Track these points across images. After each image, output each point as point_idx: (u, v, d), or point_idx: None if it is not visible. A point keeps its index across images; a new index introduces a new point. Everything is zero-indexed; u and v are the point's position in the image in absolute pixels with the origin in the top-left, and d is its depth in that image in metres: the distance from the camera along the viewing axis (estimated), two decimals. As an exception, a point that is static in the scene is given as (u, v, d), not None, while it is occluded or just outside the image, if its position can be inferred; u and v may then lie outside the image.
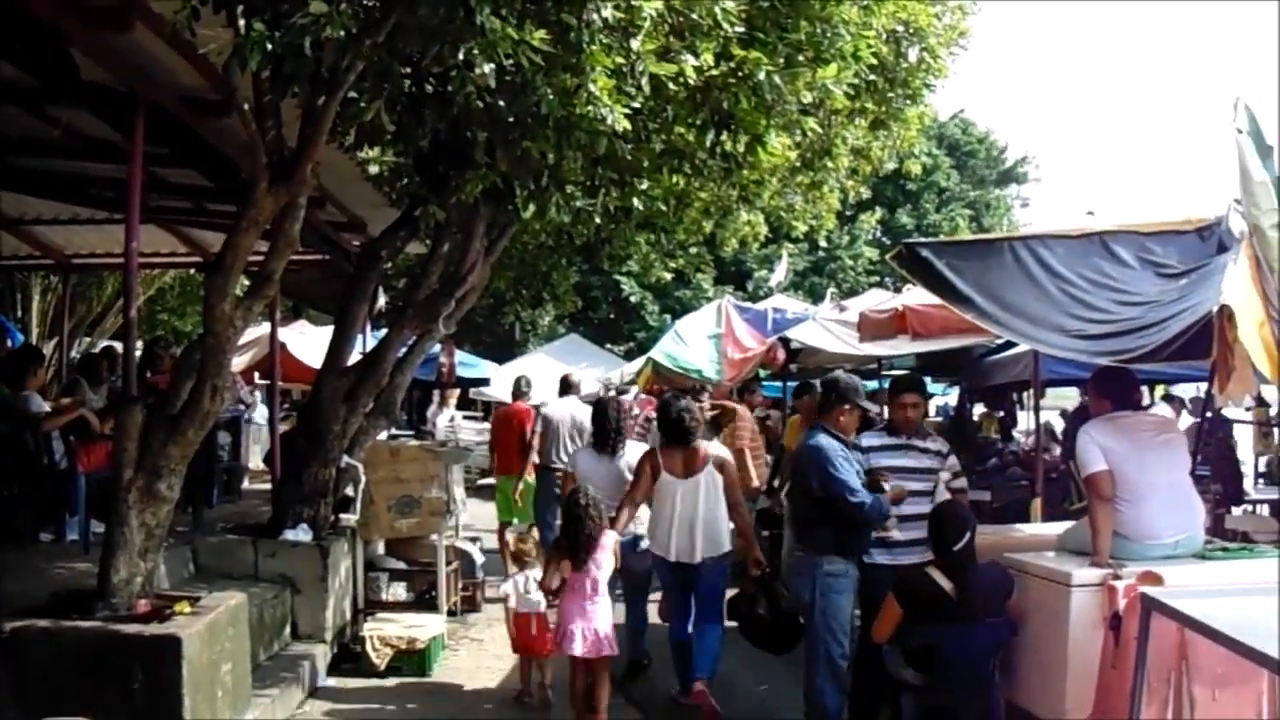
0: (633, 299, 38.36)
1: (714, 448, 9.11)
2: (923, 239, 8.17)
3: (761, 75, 6.44)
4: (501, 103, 6.17)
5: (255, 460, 16.74)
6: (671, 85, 6.25)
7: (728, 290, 32.00)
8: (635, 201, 8.16)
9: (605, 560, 7.90)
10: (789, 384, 20.90)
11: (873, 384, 18.64)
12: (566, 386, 14.41)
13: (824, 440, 7.67)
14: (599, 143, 6.30)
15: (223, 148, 8.66)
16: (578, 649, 7.79)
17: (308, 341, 18.54)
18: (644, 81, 6.05)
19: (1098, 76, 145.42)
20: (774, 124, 7.20)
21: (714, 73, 6.47)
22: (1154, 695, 5.74)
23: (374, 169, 9.77)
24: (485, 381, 25.56)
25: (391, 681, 9.41)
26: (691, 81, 6.32)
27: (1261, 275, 6.26)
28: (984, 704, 6.94)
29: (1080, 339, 7.05)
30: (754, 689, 9.37)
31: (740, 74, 6.49)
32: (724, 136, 6.92)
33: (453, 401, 21.54)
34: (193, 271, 19.99)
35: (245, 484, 14.62)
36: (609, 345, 38.23)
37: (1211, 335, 6.27)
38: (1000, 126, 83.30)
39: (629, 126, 6.15)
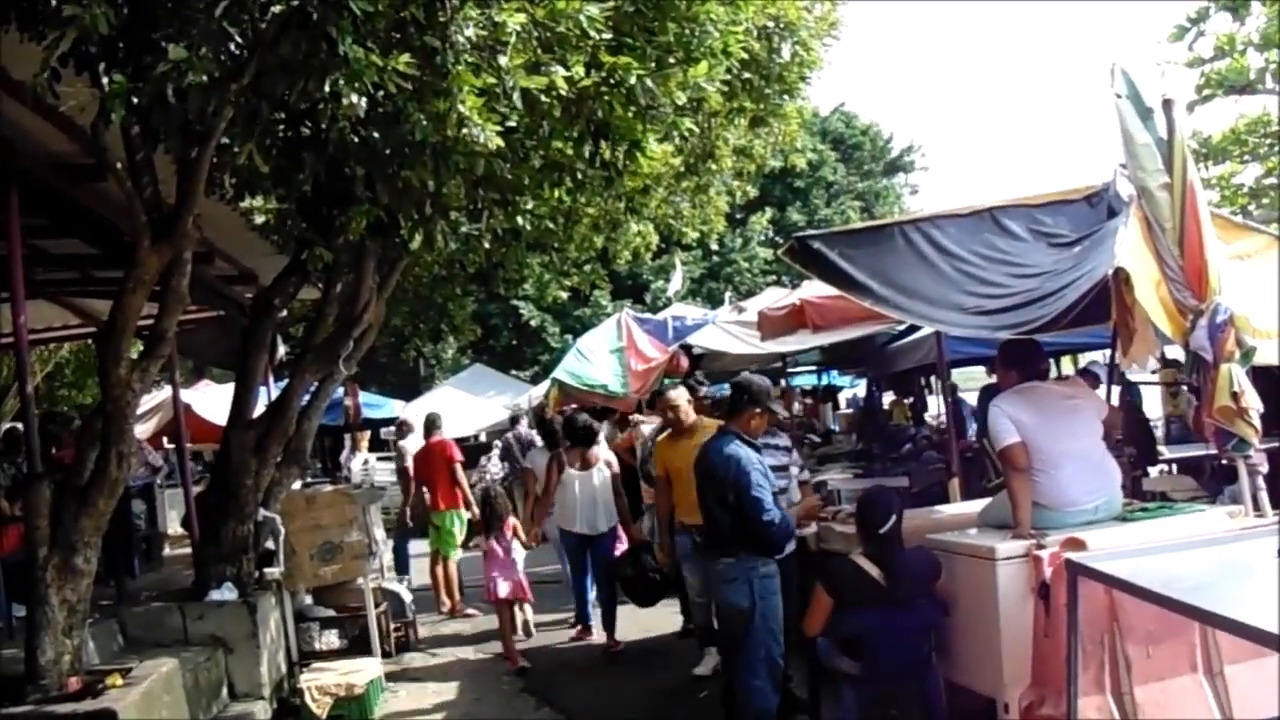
0: (533, 323, 38.23)
1: (603, 451, 11.91)
2: (813, 232, 8.25)
3: (633, 80, 6.41)
4: (376, 134, 6.12)
5: (173, 525, 16.49)
6: (544, 99, 6.22)
7: (626, 304, 31.93)
8: (521, 221, 8.16)
9: (508, 533, 11.45)
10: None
11: (780, 382, 18.72)
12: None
13: (741, 450, 7.57)
14: (477, 164, 6.28)
15: (103, 212, 8.51)
16: (503, 594, 11.23)
17: (213, 400, 18.33)
18: (515, 97, 6.00)
19: (975, 58, 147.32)
20: (651, 129, 7.19)
21: (586, 82, 6.42)
22: (1089, 659, 5.79)
23: (259, 218, 9.67)
24: (393, 421, 25.39)
25: (335, 730, 9.29)
26: (564, 93, 6.27)
27: (1153, 235, 6.35)
28: (922, 686, 6.94)
29: (979, 315, 7.11)
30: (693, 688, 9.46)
31: (612, 81, 6.46)
32: (602, 146, 6.89)
33: (364, 444, 21.29)
34: (89, 343, 19.72)
35: (166, 550, 14.45)
36: (514, 371, 38.11)
37: (1109, 300, 6.35)
38: (883, 117, 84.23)
39: (503, 144, 6.12)
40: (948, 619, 7.00)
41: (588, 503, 11.49)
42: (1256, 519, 6.55)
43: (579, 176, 7.89)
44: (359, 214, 6.86)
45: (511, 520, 11.64)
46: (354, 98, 5.46)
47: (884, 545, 6.89)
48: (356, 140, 6.15)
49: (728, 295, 24.49)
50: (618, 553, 11.39)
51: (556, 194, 8.50)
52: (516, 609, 12.07)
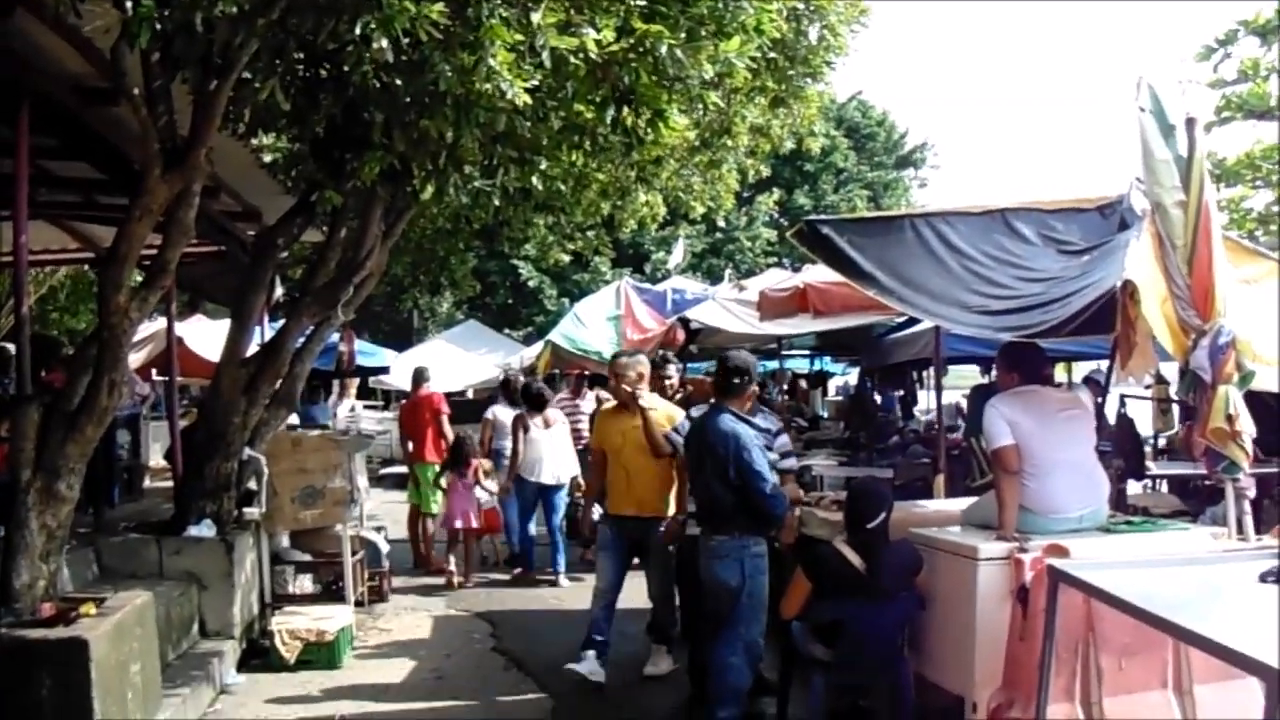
0: (530, 283, 38.27)
1: (558, 414, 13.90)
2: (823, 216, 8.24)
3: (664, 49, 6.36)
4: (399, 81, 6.08)
5: (156, 458, 16.44)
6: (572, 60, 6.16)
7: (625, 273, 31.95)
8: (535, 181, 8.04)
9: (471, 474, 13.50)
10: (688, 365, 21.03)
11: (773, 364, 18.75)
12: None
13: (740, 426, 7.55)
14: (499, 119, 6.21)
15: (114, 137, 8.45)
16: (458, 524, 13.40)
17: (205, 336, 18.26)
18: (545, 56, 5.95)
19: (994, 64, 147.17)
20: (676, 99, 7.15)
21: (614, 47, 6.36)
22: (1062, 666, 5.81)
23: (268, 157, 9.62)
24: (385, 370, 25.37)
25: (302, 675, 9.27)
26: (593, 55, 6.21)
27: (1164, 252, 6.33)
28: (893, 678, 6.98)
29: (983, 314, 7.11)
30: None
31: (641, 48, 6.40)
32: (625, 112, 6.83)
33: (353, 391, 21.35)
34: (85, 268, 19.62)
35: (147, 482, 14.34)
36: (507, 330, 38.25)
37: (1115, 311, 6.35)
38: (898, 110, 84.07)
39: (529, 101, 6.06)
40: (924, 614, 7.02)
41: (550, 457, 13.29)
42: (1239, 542, 6.55)
43: (599, 141, 7.84)
44: (373, 159, 6.78)
45: (475, 462, 13.64)
46: (384, 42, 5.42)
47: (870, 537, 6.90)
48: (379, 85, 6.11)
49: (728, 272, 24.51)
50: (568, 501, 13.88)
51: (574, 156, 8.47)
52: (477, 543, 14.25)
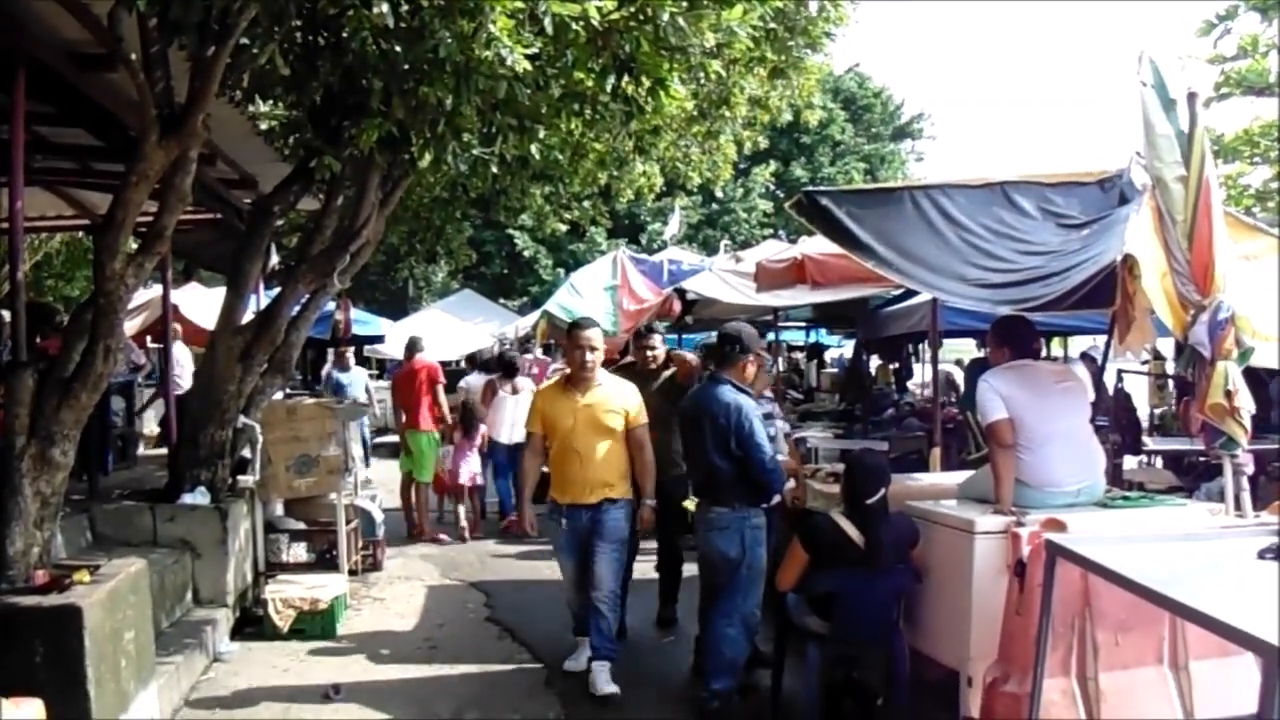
0: (526, 253, 38.23)
1: (526, 383, 15.30)
2: (823, 188, 8.18)
3: (665, 17, 6.32)
4: (398, 48, 6.04)
5: (149, 425, 16.43)
6: (573, 27, 6.12)
7: (621, 243, 31.90)
8: (534, 150, 7.98)
9: (476, 438, 15.11)
10: (684, 336, 21.06)
11: (770, 335, 18.78)
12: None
13: (740, 397, 7.54)
14: (499, 87, 6.18)
15: (110, 104, 8.41)
16: (464, 480, 14.87)
17: (199, 303, 18.24)
18: (547, 22, 5.92)
19: (994, 36, 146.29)
20: (676, 68, 7.11)
21: (615, 15, 6.33)
22: (1058, 641, 5.82)
23: (265, 124, 9.58)
24: (380, 339, 25.34)
25: (295, 644, 9.29)
26: (594, 22, 6.17)
27: (1164, 227, 6.33)
28: (888, 651, 6.98)
29: (982, 287, 7.10)
30: (658, 643, 9.41)
31: (642, 16, 6.36)
32: (625, 81, 6.80)
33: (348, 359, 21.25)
34: (80, 235, 19.55)
35: (140, 450, 14.32)
36: (503, 300, 38.22)
37: (1115, 285, 6.34)
38: (895, 83, 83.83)
39: (529, 68, 6.03)
40: (919, 588, 7.02)
41: (518, 420, 13.81)
42: (1237, 518, 6.56)
43: (599, 110, 7.80)
44: (371, 126, 6.76)
45: (482, 428, 15.33)
46: (384, 6, 5.39)
47: (869, 514, 6.89)
48: (378, 52, 6.08)
49: (724, 244, 24.43)
50: None
51: (574, 125, 8.42)
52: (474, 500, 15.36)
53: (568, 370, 8.50)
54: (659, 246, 28.35)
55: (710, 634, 7.65)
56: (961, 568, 6.64)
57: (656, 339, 9.97)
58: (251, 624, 9.67)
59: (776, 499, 8.04)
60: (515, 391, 15.10)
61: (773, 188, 41.23)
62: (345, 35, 5.88)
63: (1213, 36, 17.57)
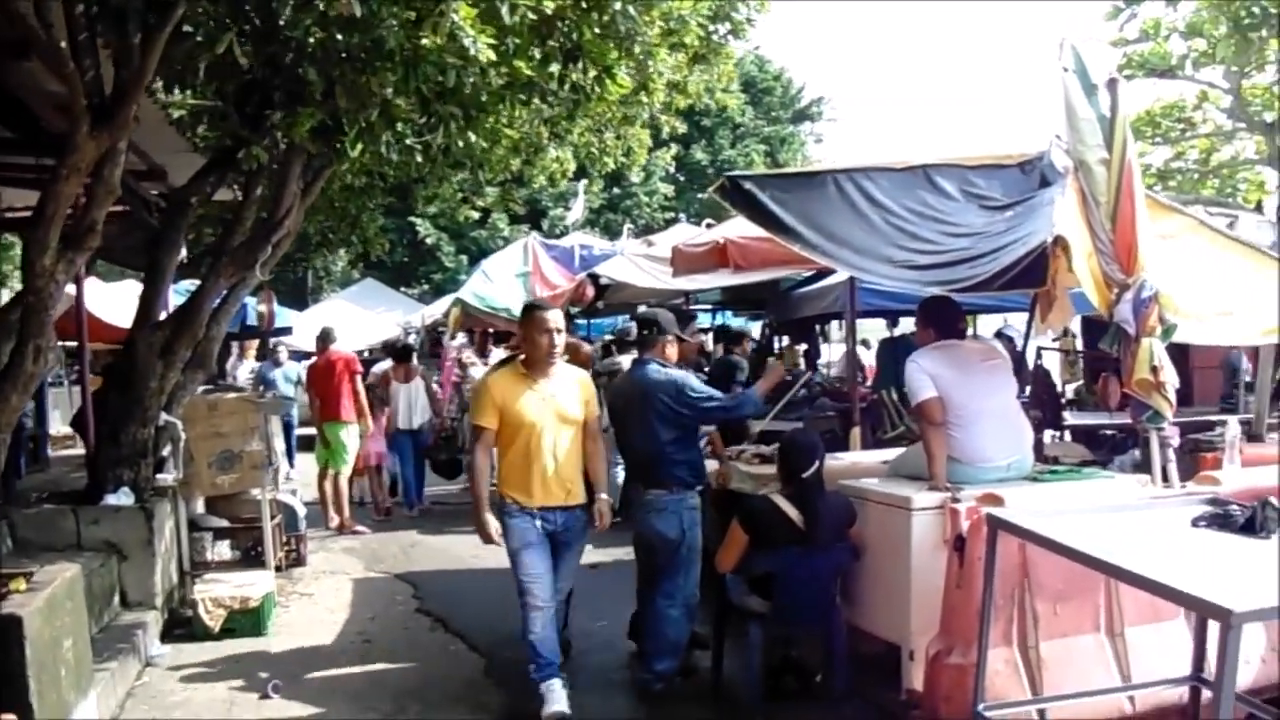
0: (428, 240, 38.01)
1: (418, 368, 16.47)
2: (745, 172, 8.22)
3: (617, 5, 6.36)
4: (339, 36, 6.02)
5: (56, 426, 16.19)
6: (530, 15, 6.14)
7: (523, 229, 31.85)
8: (473, 137, 7.98)
9: (382, 420, 15.79)
10: (592, 322, 21.12)
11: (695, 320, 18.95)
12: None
13: (673, 372, 7.68)
14: (448, 76, 6.19)
15: (21, 94, 8.27)
16: (373, 461, 15.71)
17: (101, 298, 17.99)
18: (504, 10, 5.92)
19: (891, 18, 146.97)
20: (624, 57, 7.15)
21: (562, 3, 6.36)
22: (999, 612, 5.95)
23: (176, 114, 9.46)
24: (288, 330, 25.15)
25: (227, 643, 9.23)
26: (548, 11, 6.19)
27: (1087, 208, 6.53)
28: (827, 627, 7.11)
29: (908, 269, 7.21)
30: (591, 625, 9.39)
31: (585, 5, 6.40)
32: (570, 68, 6.82)
33: (252, 352, 21.03)
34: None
35: (50, 451, 14.10)
36: (404, 288, 37.96)
37: (1044, 266, 6.50)
38: (794, 66, 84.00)
39: (493, 57, 6.05)
40: (856, 565, 7.16)
41: (410, 406, 15.88)
42: (1165, 489, 6.75)
43: (548, 98, 7.83)
44: (305, 116, 6.74)
45: (386, 409, 16.14)
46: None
47: (805, 488, 7.01)
48: (317, 40, 6.06)
49: (626, 227, 24.46)
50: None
51: (519, 113, 8.43)
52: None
53: (522, 356, 7.54)
54: (561, 232, 28.30)
55: (652, 616, 7.73)
56: (899, 544, 6.78)
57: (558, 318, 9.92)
58: (180, 625, 9.58)
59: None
60: (407, 378, 16.05)
61: (673, 170, 41.30)
62: (282, 23, 5.85)
63: (1119, 20, 17.97)
